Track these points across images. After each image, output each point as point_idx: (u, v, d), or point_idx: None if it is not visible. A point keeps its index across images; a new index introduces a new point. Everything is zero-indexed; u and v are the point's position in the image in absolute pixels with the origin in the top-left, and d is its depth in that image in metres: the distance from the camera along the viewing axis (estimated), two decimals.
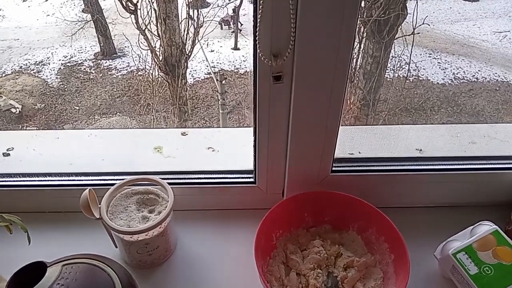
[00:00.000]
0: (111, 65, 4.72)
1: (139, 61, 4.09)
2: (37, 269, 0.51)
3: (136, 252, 0.72)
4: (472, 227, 0.72)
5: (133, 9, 3.51)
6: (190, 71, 4.46)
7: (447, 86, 4.46)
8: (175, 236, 0.79)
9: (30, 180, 0.85)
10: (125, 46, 4.77)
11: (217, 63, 4.86)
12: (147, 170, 0.85)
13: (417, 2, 2.92)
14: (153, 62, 3.82)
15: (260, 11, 0.58)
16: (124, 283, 0.54)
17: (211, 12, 4.10)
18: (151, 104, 3.98)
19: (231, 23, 5.34)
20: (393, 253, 0.69)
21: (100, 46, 4.80)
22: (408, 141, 0.96)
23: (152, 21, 3.59)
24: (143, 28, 3.58)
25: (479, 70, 4.70)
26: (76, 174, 0.85)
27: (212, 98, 4.42)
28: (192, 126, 4.04)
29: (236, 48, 5.14)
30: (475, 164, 0.84)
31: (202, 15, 3.79)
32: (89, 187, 0.70)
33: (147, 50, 3.73)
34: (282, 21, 0.59)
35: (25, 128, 3.95)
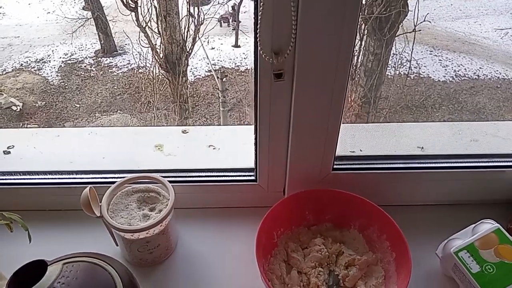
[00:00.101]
0: (112, 62, 4.71)
1: (140, 59, 4.08)
2: (37, 268, 0.51)
3: (137, 250, 0.72)
4: (474, 225, 0.71)
5: (133, 6, 3.50)
6: (191, 69, 4.45)
7: (448, 84, 4.45)
8: (176, 234, 0.79)
9: (30, 178, 0.85)
10: (126, 44, 4.76)
11: (218, 60, 4.85)
12: (148, 168, 0.84)
13: None
14: (153, 60, 3.81)
15: (261, 8, 0.57)
16: (125, 282, 0.54)
17: (212, 10, 4.09)
18: (152, 101, 3.97)
19: (230, 20, 5.33)
20: (395, 251, 0.69)
21: (100, 43, 4.79)
22: (410, 139, 0.96)
23: (152, 18, 3.58)
24: (144, 26, 3.57)
25: (480, 68, 4.69)
26: (77, 172, 0.85)
27: (213, 95, 4.41)
28: (193, 124, 4.03)
29: (236, 45, 5.13)
30: (477, 162, 0.84)
31: (203, 12, 3.78)
32: (89, 185, 0.70)
33: (148, 47, 3.72)
34: (283, 18, 0.58)
35: (25, 126, 3.95)
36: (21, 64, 4.66)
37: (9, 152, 0.94)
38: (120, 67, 4.64)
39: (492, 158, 0.85)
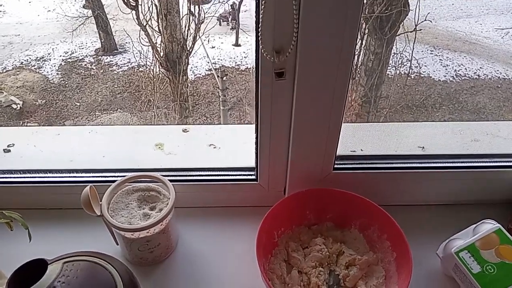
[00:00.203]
0: (112, 61, 4.70)
1: (140, 57, 4.08)
2: (38, 267, 0.51)
3: (137, 249, 0.72)
4: (475, 225, 0.71)
5: (134, 4, 3.50)
6: (191, 68, 4.45)
7: (448, 83, 4.44)
8: (177, 233, 0.79)
9: (30, 177, 0.84)
10: (126, 42, 4.76)
11: (218, 59, 4.85)
12: (148, 167, 0.84)
13: None
14: (154, 58, 3.81)
15: (263, 6, 0.57)
16: (125, 281, 0.54)
17: (212, 8, 4.08)
18: (152, 100, 3.97)
19: (230, 19, 5.33)
20: (395, 251, 0.69)
21: (101, 42, 4.79)
22: (411, 139, 0.96)
23: (153, 17, 3.58)
24: (144, 24, 3.57)
25: (480, 67, 4.68)
26: (77, 171, 0.85)
27: (213, 94, 4.41)
28: (193, 123, 4.03)
29: (237, 44, 5.12)
30: (477, 162, 0.84)
31: (203, 11, 3.77)
32: (90, 184, 0.69)
33: (148, 46, 3.71)
34: (284, 17, 0.58)
35: (26, 124, 3.95)
36: (22, 62, 4.66)
37: (9, 151, 0.93)
38: (120, 65, 4.64)
39: (493, 158, 0.85)
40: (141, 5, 3.52)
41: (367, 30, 2.97)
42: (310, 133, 0.72)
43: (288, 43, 0.61)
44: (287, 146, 0.75)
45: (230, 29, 5.31)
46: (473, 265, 0.65)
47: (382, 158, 0.84)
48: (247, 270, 0.72)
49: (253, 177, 0.83)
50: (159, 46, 3.71)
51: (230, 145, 0.96)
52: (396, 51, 3.30)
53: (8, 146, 0.94)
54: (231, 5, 4.76)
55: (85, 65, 4.68)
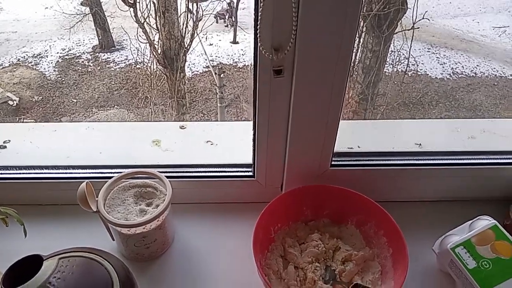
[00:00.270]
0: (109, 58, 4.69)
1: (138, 54, 4.07)
2: (33, 263, 0.51)
3: (133, 245, 0.72)
4: (471, 221, 0.71)
5: (132, 2, 3.49)
6: (189, 65, 4.44)
7: (445, 81, 4.45)
8: (173, 229, 0.79)
9: (27, 173, 0.84)
10: (124, 39, 4.75)
11: (216, 56, 4.85)
12: (145, 164, 0.84)
13: None
14: (151, 55, 3.80)
15: (262, 4, 0.57)
16: (121, 277, 0.54)
17: (210, 6, 4.08)
18: (149, 97, 3.96)
19: (227, 17, 5.33)
20: (392, 247, 0.69)
21: (98, 39, 4.78)
22: (408, 136, 0.96)
23: (151, 14, 3.57)
24: (142, 21, 3.56)
25: (477, 65, 4.70)
26: (73, 167, 0.85)
27: (210, 91, 4.40)
28: (190, 120, 4.03)
29: (235, 41, 5.12)
30: (474, 159, 0.84)
31: (201, 8, 3.77)
32: (86, 180, 0.69)
33: (146, 43, 3.71)
34: (283, 14, 0.58)
35: (22, 120, 3.94)
36: (18, 59, 4.65)
37: (5, 147, 0.93)
38: (117, 62, 4.63)
39: (490, 155, 0.85)
40: (139, 2, 3.51)
41: (365, 28, 2.97)
42: (307, 130, 0.72)
43: (287, 41, 0.60)
44: (285, 142, 0.75)
45: (225, 26, 5.31)
46: (469, 260, 0.65)
47: (379, 155, 0.84)
48: (243, 266, 0.71)
49: (250, 173, 0.83)
50: (156, 43, 3.70)
51: (227, 142, 0.96)
52: (394, 49, 3.31)
53: (4, 142, 0.94)
54: (228, 3, 4.76)
55: (82, 62, 4.67)
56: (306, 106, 0.69)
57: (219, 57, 4.85)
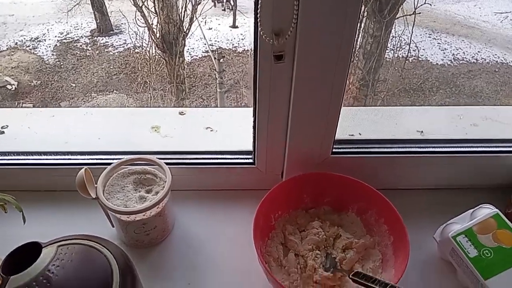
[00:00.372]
0: (108, 42, 4.65)
1: (136, 38, 4.03)
2: (32, 250, 0.50)
3: (133, 232, 0.72)
4: (472, 210, 0.71)
5: None
6: (188, 49, 4.40)
7: (446, 67, 4.42)
8: (173, 216, 0.79)
9: (25, 159, 0.84)
10: (122, 23, 4.69)
11: (215, 41, 4.80)
12: (144, 150, 0.83)
13: None
14: (150, 40, 3.76)
15: None
16: (120, 264, 0.54)
17: None
18: (148, 82, 3.93)
19: (225, 0, 5.27)
20: (393, 235, 0.69)
21: (96, 22, 4.72)
22: (409, 123, 0.95)
23: None
24: (140, 5, 3.51)
25: (478, 51, 4.66)
26: (72, 153, 0.84)
27: (210, 76, 4.37)
28: (190, 105, 4.01)
29: (234, 26, 5.07)
30: (476, 147, 0.83)
31: None
32: (85, 167, 0.69)
33: (144, 27, 3.66)
34: None
35: (21, 105, 3.91)
36: (16, 43, 4.60)
37: (3, 132, 0.92)
38: (116, 46, 4.59)
39: (492, 143, 0.84)
40: None
41: (366, 13, 2.94)
42: (309, 117, 0.72)
43: (288, 25, 0.59)
44: (285, 129, 0.74)
45: (222, 10, 5.25)
46: (470, 249, 0.65)
47: (381, 143, 0.84)
48: (243, 253, 0.71)
49: (251, 160, 0.83)
50: (155, 27, 3.66)
51: (227, 128, 0.95)
52: (395, 34, 3.28)
53: (2, 127, 0.93)
54: None
55: (81, 46, 4.63)
56: (307, 93, 0.68)
57: (218, 41, 4.80)
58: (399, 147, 0.83)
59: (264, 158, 0.80)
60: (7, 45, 4.57)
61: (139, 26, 3.70)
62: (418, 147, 0.83)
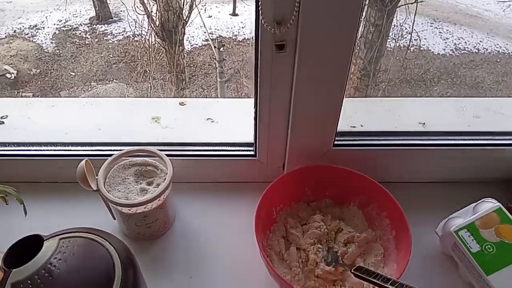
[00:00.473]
0: (107, 30, 4.61)
1: (135, 26, 4.00)
2: (33, 242, 0.50)
3: (134, 224, 0.71)
4: (474, 204, 0.71)
5: None
6: (188, 38, 4.37)
7: (447, 57, 4.40)
8: (174, 208, 0.79)
9: (25, 150, 0.83)
10: (121, 11, 4.66)
11: (215, 29, 4.76)
12: (144, 141, 0.83)
13: None
14: (149, 28, 3.73)
15: None
16: (122, 258, 0.53)
17: None
18: (148, 71, 3.91)
19: None
20: (395, 229, 0.69)
21: (95, 10, 4.68)
22: (411, 115, 0.94)
23: None
24: None
25: (480, 41, 4.64)
26: (72, 144, 0.84)
27: (210, 66, 4.35)
28: (190, 95, 3.99)
29: (234, 14, 5.03)
30: (479, 139, 0.83)
31: None
32: (85, 158, 0.68)
33: (144, 15, 3.63)
34: None
35: (20, 94, 3.90)
36: (15, 31, 4.57)
37: (2, 122, 0.91)
38: (115, 34, 4.55)
39: (495, 136, 0.84)
40: None
41: (367, 1, 2.91)
42: (310, 109, 0.71)
43: (290, 14, 0.58)
44: (287, 121, 0.74)
45: None
46: (472, 244, 0.65)
47: (383, 135, 0.83)
48: (245, 246, 0.71)
49: (252, 152, 0.82)
50: (154, 15, 3.63)
51: (228, 120, 0.95)
52: (396, 23, 3.25)
53: (1, 117, 0.92)
54: None
55: (80, 34, 4.59)
56: (309, 83, 0.67)
57: (218, 30, 4.77)
58: (401, 140, 0.83)
59: (266, 150, 0.79)
60: (5, 33, 4.54)
61: (138, 13, 3.67)
62: (420, 140, 0.83)
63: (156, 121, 0.94)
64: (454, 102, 1.05)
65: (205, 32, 4.52)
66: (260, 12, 0.58)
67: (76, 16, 4.75)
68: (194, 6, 3.72)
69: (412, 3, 3.03)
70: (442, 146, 0.82)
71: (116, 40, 4.49)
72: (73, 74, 4.15)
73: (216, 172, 0.84)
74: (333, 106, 0.71)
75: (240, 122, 0.90)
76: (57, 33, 4.55)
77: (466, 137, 0.83)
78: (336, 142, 0.79)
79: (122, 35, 4.53)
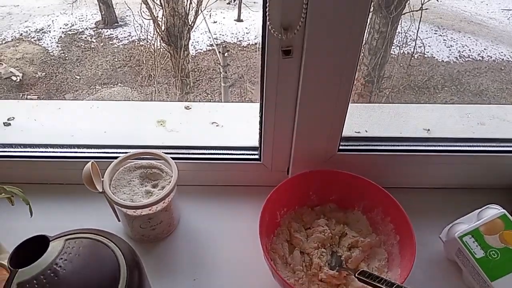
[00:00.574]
0: (112, 34, 4.64)
1: (141, 31, 4.02)
2: (39, 243, 0.50)
3: (139, 226, 0.72)
4: (479, 210, 0.71)
5: None
6: (192, 43, 4.39)
7: (451, 64, 4.40)
8: (179, 211, 0.79)
9: (31, 151, 0.84)
10: (127, 15, 4.68)
11: (220, 34, 4.78)
12: (150, 144, 0.83)
13: None
14: (155, 32, 3.75)
15: None
16: (128, 259, 0.54)
17: None
18: (153, 75, 3.93)
19: None
20: (399, 234, 0.69)
21: (101, 14, 4.71)
22: (416, 121, 0.95)
23: None
24: None
25: (484, 49, 4.63)
26: (78, 146, 0.84)
27: (214, 70, 4.36)
28: (194, 99, 4.00)
29: (239, 19, 5.05)
30: (484, 146, 0.83)
31: None
32: (91, 160, 0.69)
33: (149, 19, 3.65)
34: None
35: (25, 97, 3.92)
36: (21, 34, 4.60)
37: (9, 124, 0.92)
38: (121, 39, 4.58)
39: (499, 143, 0.84)
40: None
41: (372, 8, 2.92)
42: (316, 113, 0.71)
43: (297, 20, 0.59)
44: (292, 126, 0.74)
45: (227, 3, 5.23)
46: (477, 250, 0.65)
47: (388, 140, 0.83)
48: (249, 250, 0.71)
49: (257, 156, 0.82)
50: (160, 20, 3.65)
51: (233, 124, 0.95)
52: (401, 30, 3.26)
53: (8, 119, 0.93)
54: None
55: (85, 38, 4.62)
56: (314, 89, 0.67)
57: (223, 35, 4.79)
58: (406, 145, 0.83)
59: (270, 155, 0.80)
60: (12, 36, 4.57)
61: (144, 18, 3.69)
62: (425, 146, 0.83)
63: (161, 124, 0.95)
64: (459, 109, 1.05)
65: (210, 38, 4.54)
66: (267, 17, 0.59)
67: (82, 20, 4.78)
68: (199, 11, 3.73)
69: (417, 11, 3.03)
70: (446, 152, 0.82)
71: (122, 44, 4.51)
72: (78, 77, 4.17)
73: (221, 176, 0.85)
74: (338, 111, 0.71)
75: (245, 126, 0.90)
76: (63, 36, 4.58)
77: (471, 144, 0.84)
78: (341, 147, 0.79)
79: (128, 39, 4.56)
